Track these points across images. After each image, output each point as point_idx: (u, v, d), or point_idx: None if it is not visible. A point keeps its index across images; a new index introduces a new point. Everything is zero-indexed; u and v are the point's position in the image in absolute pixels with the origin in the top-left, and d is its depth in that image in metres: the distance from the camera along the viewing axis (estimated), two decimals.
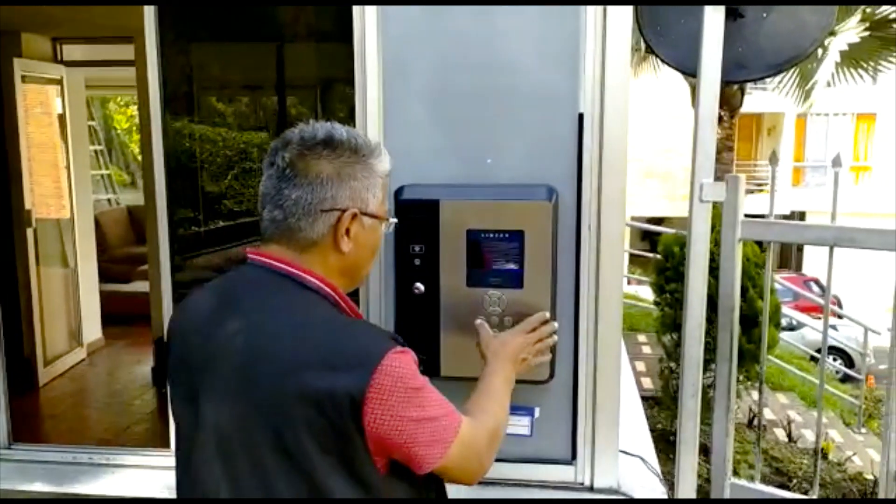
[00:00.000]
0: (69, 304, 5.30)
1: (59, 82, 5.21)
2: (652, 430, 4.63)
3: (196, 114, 3.06)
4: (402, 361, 1.19)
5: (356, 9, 2.11)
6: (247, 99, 3.42)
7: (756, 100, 18.08)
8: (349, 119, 2.20)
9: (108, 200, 9.00)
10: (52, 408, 4.48)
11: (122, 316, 5.97)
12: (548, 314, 1.84)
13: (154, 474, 2.46)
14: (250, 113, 3.41)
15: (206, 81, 3.15)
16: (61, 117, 5.22)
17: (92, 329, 5.59)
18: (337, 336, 1.21)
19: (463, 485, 1.34)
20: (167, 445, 2.55)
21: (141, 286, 6.05)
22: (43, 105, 5.06)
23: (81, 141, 5.74)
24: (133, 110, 13.90)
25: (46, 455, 2.58)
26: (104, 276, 6.20)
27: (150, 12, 2.38)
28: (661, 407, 5.60)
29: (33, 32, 4.98)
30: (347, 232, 1.29)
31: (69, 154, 5.28)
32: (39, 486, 2.43)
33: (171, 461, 2.50)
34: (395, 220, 1.45)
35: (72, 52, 5.46)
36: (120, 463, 2.52)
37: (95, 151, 8.40)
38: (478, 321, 1.78)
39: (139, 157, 10.36)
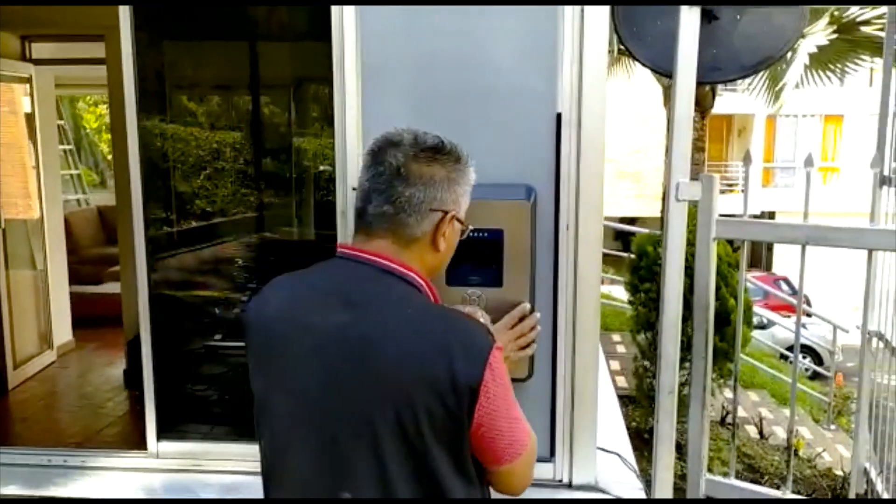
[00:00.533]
0: (38, 306, 5.21)
1: (28, 81, 5.12)
2: (627, 428, 4.67)
3: (168, 113, 3.04)
4: (500, 358, 1.27)
5: (335, 8, 2.10)
6: (219, 98, 3.39)
7: (727, 101, 18.31)
8: (327, 119, 2.19)
9: (78, 201, 8.87)
10: (23, 411, 4.40)
11: (93, 318, 5.88)
12: (528, 306, 1.86)
13: (129, 476, 2.44)
14: (223, 112, 3.39)
15: (178, 80, 3.12)
16: (30, 116, 5.14)
17: (62, 331, 5.50)
18: (451, 326, 1.28)
19: (512, 495, 1.39)
20: (142, 447, 2.53)
21: (112, 287, 5.97)
22: (10, 104, 4.97)
23: (50, 140, 5.65)
24: (102, 109, 13.73)
25: (21, 458, 2.54)
26: (74, 278, 6.10)
27: (125, 12, 2.36)
28: (636, 405, 5.64)
29: (1, 30, 4.89)
30: (444, 232, 1.36)
31: (38, 154, 5.20)
32: (14, 490, 2.39)
33: (147, 463, 2.49)
34: (471, 227, 1.50)
35: (41, 50, 5.37)
36: (95, 465, 2.49)
37: (65, 151, 8.27)
38: (468, 308, 1.80)
39: (109, 157, 10.24)
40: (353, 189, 1.38)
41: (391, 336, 1.24)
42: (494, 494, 1.41)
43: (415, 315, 1.28)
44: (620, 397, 5.73)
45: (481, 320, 1.73)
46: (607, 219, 15.06)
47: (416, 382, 1.20)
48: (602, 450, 2.27)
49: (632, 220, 16.33)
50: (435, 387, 1.19)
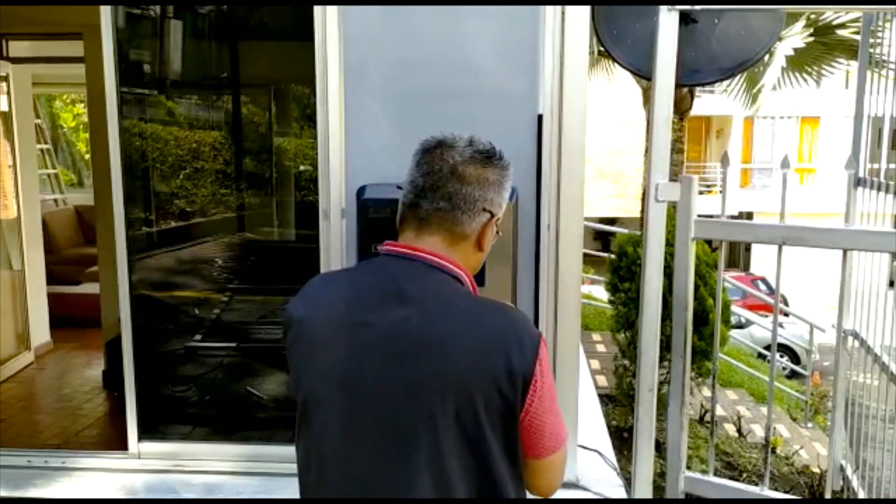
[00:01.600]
0: (16, 307, 5.16)
1: (5, 79, 5.07)
2: (607, 427, 4.70)
3: (147, 112, 3.02)
4: (546, 351, 1.31)
5: (317, 8, 2.11)
6: (199, 98, 3.38)
7: (705, 102, 18.48)
8: (307, 119, 2.20)
9: (55, 201, 8.78)
10: (1, 413, 4.36)
11: (71, 318, 5.83)
12: None
13: (111, 477, 2.43)
14: (203, 111, 3.38)
15: (162, 80, 3.11)
16: (6, 115, 5.08)
17: (40, 332, 5.45)
18: (504, 318, 1.32)
19: (544, 495, 1.41)
20: (122, 448, 2.52)
21: (90, 288, 5.92)
22: None
23: (27, 139, 5.59)
24: (80, 108, 13.60)
25: (1, 459, 2.52)
26: (52, 278, 6.04)
27: (106, 12, 2.35)
28: (616, 404, 5.68)
29: None
30: (487, 234, 1.41)
31: (15, 153, 5.14)
32: None
33: (127, 464, 2.48)
34: (500, 233, 1.53)
35: (18, 48, 5.32)
36: (76, 466, 2.48)
37: (42, 150, 8.18)
38: None
39: (87, 157, 10.14)
40: (398, 187, 1.42)
41: (449, 330, 1.28)
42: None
43: (470, 308, 1.33)
44: (601, 396, 5.77)
45: None
46: (587, 219, 15.13)
47: (475, 374, 1.24)
48: (583, 447, 2.29)
49: (611, 221, 16.42)
50: (494, 378, 1.24)
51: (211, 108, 3.38)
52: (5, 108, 5.08)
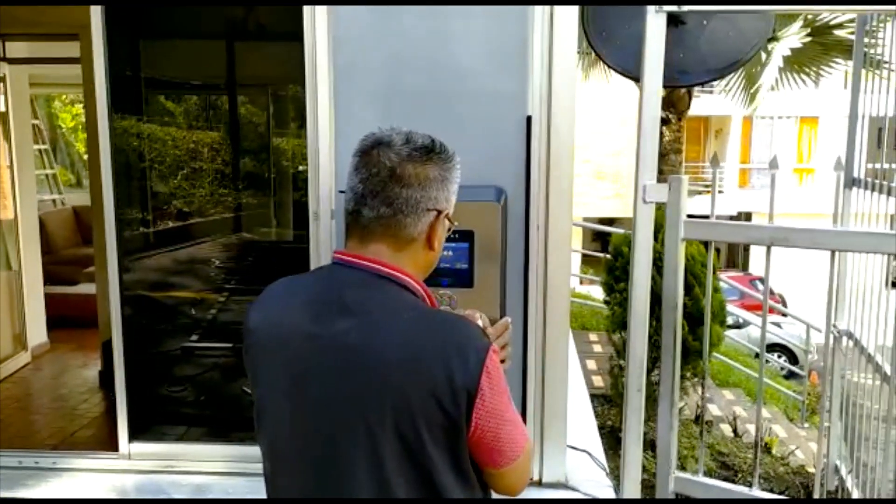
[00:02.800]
0: (13, 308, 5.17)
1: (2, 80, 5.08)
2: (602, 427, 4.71)
3: (144, 112, 3.03)
4: (496, 360, 1.26)
5: (307, 9, 2.12)
6: (196, 98, 3.39)
7: (703, 102, 18.49)
8: (301, 118, 2.21)
9: (54, 201, 8.79)
10: None
11: (69, 319, 5.83)
12: (511, 320, 1.89)
13: (100, 477, 2.43)
14: (200, 112, 3.38)
15: (154, 80, 3.11)
16: (3, 115, 5.09)
17: (37, 332, 5.45)
18: (448, 330, 1.27)
19: (510, 495, 1.40)
20: (115, 449, 2.52)
21: (88, 288, 5.93)
22: None
23: (25, 140, 5.60)
24: (78, 108, 13.60)
25: None
26: (50, 279, 6.05)
27: (97, 12, 2.36)
28: (611, 404, 5.69)
29: None
30: (437, 232, 1.36)
31: (12, 153, 5.15)
32: None
33: (118, 464, 2.48)
34: (456, 223, 1.49)
35: (15, 49, 5.33)
36: (66, 466, 2.49)
37: (40, 150, 8.19)
38: (467, 311, 1.83)
39: (85, 157, 10.15)
40: (341, 192, 1.39)
41: (389, 342, 1.24)
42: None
43: (412, 320, 1.28)
44: (596, 396, 5.78)
45: (479, 322, 1.75)
46: (586, 219, 15.16)
47: (414, 388, 1.21)
48: (572, 448, 2.30)
49: (610, 221, 16.44)
50: (433, 392, 1.20)
51: (209, 108, 3.39)
52: (2, 109, 5.09)
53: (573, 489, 2.19)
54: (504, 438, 1.27)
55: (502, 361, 1.84)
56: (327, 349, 1.27)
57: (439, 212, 1.35)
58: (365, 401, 1.23)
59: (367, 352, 1.24)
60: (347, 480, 1.25)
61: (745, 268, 20.71)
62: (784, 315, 12.28)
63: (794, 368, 10.30)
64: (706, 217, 2.34)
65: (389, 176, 1.31)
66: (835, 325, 3.30)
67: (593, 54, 8.74)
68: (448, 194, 1.37)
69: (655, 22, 2.06)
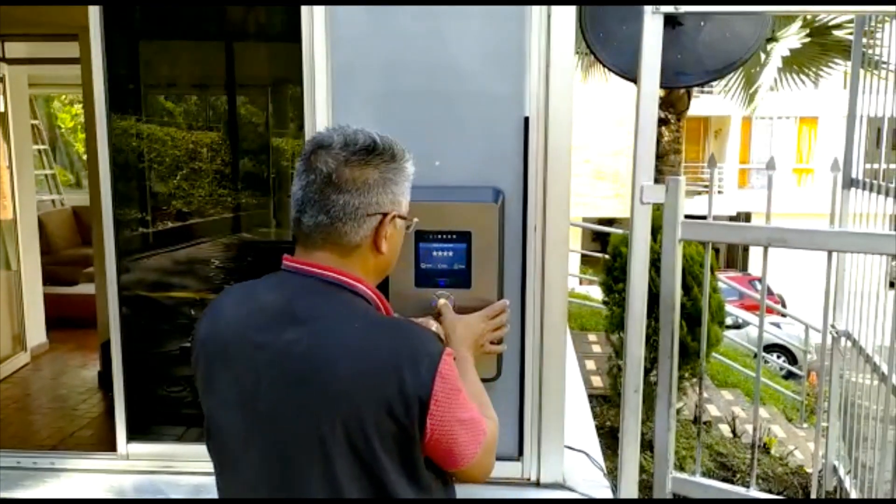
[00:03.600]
0: (12, 308, 5.18)
1: (1, 80, 5.09)
2: (601, 427, 4.72)
3: (143, 113, 3.03)
4: (451, 363, 1.26)
5: (304, 9, 2.12)
6: (195, 98, 3.39)
7: (703, 103, 18.52)
8: (299, 119, 2.21)
9: (53, 201, 8.80)
10: None
11: (69, 319, 5.85)
12: (508, 302, 1.88)
13: (98, 478, 2.44)
14: (198, 112, 3.38)
15: (153, 80, 3.12)
16: (3, 116, 5.10)
17: (36, 333, 5.47)
18: (398, 338, 1.26)
19: (475, 483, 1.39)
20: (114, 449, 2.53)
21: (87, 288, 5.94)
22: None
23: (24, 140, 5.61)
24: (78, 108, 13.60)
25: None
26: (49, 279, 6.06)
27: (95, 12, 2.36)
28: (611, 404, 5.70)
29: None
30: (385, 235, 1.34)
31: (11, 154, 5.16)
32: None
33: (116, 465, 2.48)
34: (417, 220, 1.48)
35: (14, 49, 5.34)
36: (64, 467, 2.49)
37: (39, 151, 8.20)
38: (442, 301, 1.82)
39: (84, 157, 10.15)
40: (288, 196, 1.35)
41: (338, 352, 1.22)
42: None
43: (362, 328, 1.26)
44: (596, 397, 5.80)
45: (433, 328, 1.75)
46: (586, 219, 15.16)
47: (364, 398, 1.19)
48: (570, 448, 2.30)
49: (610, 221, 16.45)
50: (383, 401, 1.18)
51: (208, 108, 3.39)
52: (1, 109, 5.10)
53: (570, 489, 2.19)
54: (462, 441, 1.27)
55: (499, 342, 1.85)
56: (276, 360, 1.24)
57: (385, 214, 1.32)
58: (315, 412, 1.21)
59: (316, 362, 1.22)
60: (300, 489, 1.23)
61: (744, 268, 20.72)
62: (783, 315, 12.30)
63: (792, 369, 10.31)
64: (705, 217, 2.34)
65: (325, 182, 1.28)
66: (833, 326, 3.31)
67: (592, 56, 8.75)
68: (394, 196, 1.34)
69: (652, 23, 2.07)
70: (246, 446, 1.28)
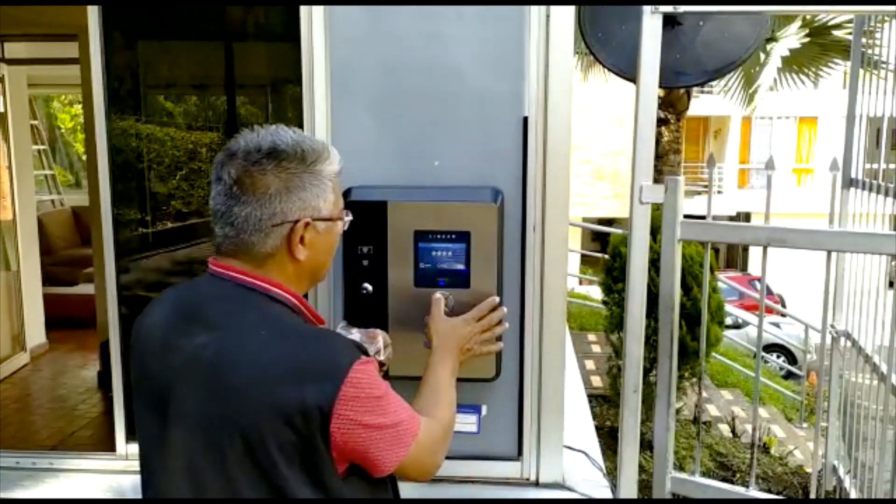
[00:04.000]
0: (11, 308, 5.18)
1: (1, 80, 5.09)
2: (601, 427, 4.71)
3: (142, 113, 3.03)
4: (366, 372, 1.22)
5: (303, 9, 2.12)
6: (195, 98, 3.39)
7: (703, 103, 18.52)
8: (298, 120, 2.20)
9: (52, 201, 8.80)
10: None
11: (68, 319, 5.85)
12: (497, 299, 1.86)
13: (97, 478, 2.44)
14: (199, 112, 3.38)
15: (152, 80, 3.12)
16: (2, 116, 5.10)
17: (35, 333, 5.47)
18: (305, 348, 1.23)
19: (418, 481, 1.39)
20: (113, 449, 2.53)
21: (87, 289, 5.94)
22: None
23: (24, 140, 5.61)
24: (77, 109, 13.60)
25: None
26: (49, 279, 6.07)
27: (94, 12, 2.36)
28: (610, 404, 5.70)
29: None
30: (302, 240, 1.29)
31: (11, 154, 5.16)
32: None
33: (115, 465, 2.48)
34: (349, 217, 1.44)
35: (14, 49, 5.34)
36: (63, 467, 2.49)
37: (39, 151, 8.20)
38: (436, 295, 1.81)
39: (84, 157, 10.15)
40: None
41: (242, 359, 1.20)
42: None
43: (269, 337, 1.23)
44: (595, 397, 5.80)
45: (379, 340, 1.72)
46: (586, 219, 15.16)
47: (263, 408, 1.16)
48: (569, 448, 2.30)
49: (609, 221, 16.45)
50: (283, 411, 1.16)
51: (207, 108, 3.39)
52: (1, 110, 5.10)
53: (570, 489, 2.19)
54: (380, 447, 1.24)
55: (499, 338, 1.82)
56: (185, 364, 1.23)
57: (294, 222, 1.27)
58: (217, 420, 1.19)
59: (220, 369, 1.20)
60: (200, 500, 1.22)
61: (743, 268, 20.73)
62: (783, 315, 12.29)
63: (792, 369, 10.32)
64: (704, 217, 2.34)
65: (228, 194, 1.26)
66: (833, 326, 3.31)
67: (592, 56, 8.75)
68: (304, 202, 1.28)
69: (651, 23, 2.07)
70: (160, 450, 1.26)
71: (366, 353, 1.27)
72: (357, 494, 1.28)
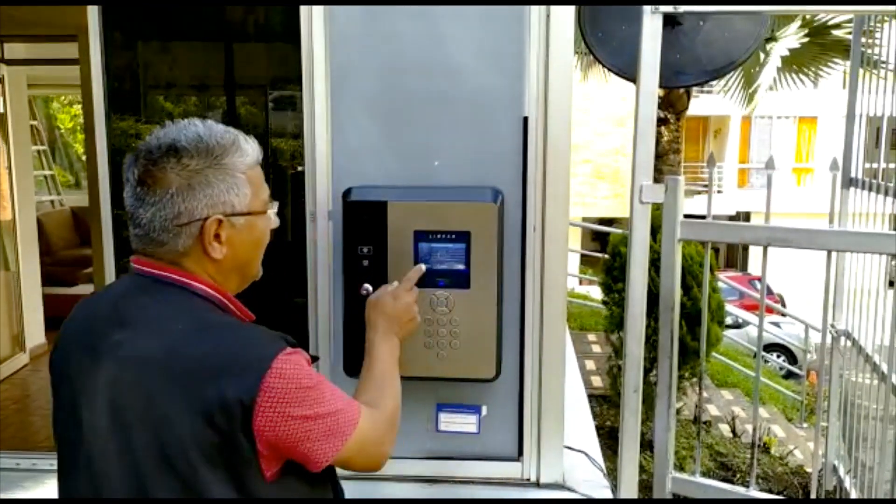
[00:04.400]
0: (11, 309, 5.17)
1: (0, 81, 5.09)
2: (601, 427, 4.71)
3: (142, 113, 3.03)
4: (292, 362, 1.17)
5: (303, 9, 2.11)
6: (195, 98, 3.38)
7: (702, 102, 18.52)
8: (298, 120, 2.20)
9: (52, 202, 8.79)
10: None
11: None
12: (424, 267, 1.84)
13: None
14: (199, 113, 3.38)
15: (152, 80, 3.11)
16: (2, 117, 5.10)
17: (35, 333, 5.46)
18: (224, 341, 1.17)
19: (368, 471, 1.35)
20: None
21: (87, 289, 5.94)
22: None
23: (23, 141, 5.61)
24: (77, 109, 13.60)
25: None
26: (49, 280, 6.06)
27: (94, 12, 2.36)
28: (610, 404, 5.70)
29: None
30: (218, 238, 1.24)
31: (10, 154, 5.16)
32: None
33: None
34: (274, 209, 1.38)
35: (13, 50, 5.34)
36: None
37: (38, 151, 8.20)
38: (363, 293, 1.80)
39: (83, 158, 10.14)
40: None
41: (156, 356, 1.14)
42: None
43: (186, 331, 1.17)
44: (595, 397, 5.80)
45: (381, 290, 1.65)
46: (586, 219, 15.16)
47: (179, 407, 1.11)
48: (569, 448, 2.30)
49: (609, 221, 16.45)
50: (202, 410, 1.10)
51: (207, 109, 3.39)
52: (1, 110, 5.10)
53: (570, 489, 2.19)
54: (315, 438, 1.18)
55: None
56: (100, 364, 1.18)
57: (204, 220, 1.22)
58: (129, 421, 1.14)
59: (133, 367, 1.15)
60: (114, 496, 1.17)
61: (743, 268, 20.72)
62: (783, 315, 12.29)
63: (792, 368, 10.32)
64: (704, 217, 2.34)
65: (134, 195, 1.22)
66: (833, 325, 3.31)
67: (591, 55, 8.74)
68: (212, 199, 1.22)
69: (651, 22, 2.07)
70: (74, 457, 1.22)
71: (293, 345, 1.22)
72: (293, 494, 1.23)
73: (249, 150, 1.29)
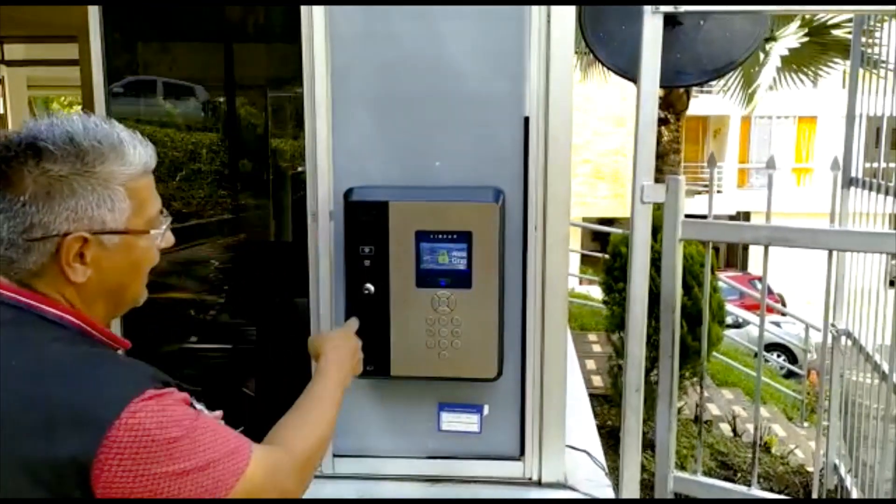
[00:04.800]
0: None
1: (0, 82, 5.09)
2: (602, 427, 4.71)
3: (142, 114, 3.03)
4: (152, 409, 0.97)
5: (304, 9, 2.11)
6: (195, 99, 3.39)
7: (702, 102, 18.52)
8: (298, 120, 2.20)
9: None
10: None
11: None
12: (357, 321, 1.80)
13: None
14: (199, 113, 3.39)
15: (153, 81, 3.12)
16: (2, 117, 5.11)
17: None
18: (64, 385, 0.97)
19: (293, 496, 1.17)
20: None
21: None
22: None
23: None
24: (77, 109, 13.60)
25: None
26: None
27: (94, 12, 2.36)
28: (611, 404, 5.70)
29: None
30: (82, 258, 1.04)
31: None
32: None
33: None
34: (166, 227, 1.16)
35: (13, 51, 5.34)
36: None
37: None
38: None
39: None
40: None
41: None
42: None
43: (18, 370, 0.98)
44: (596, 396, 5.79)
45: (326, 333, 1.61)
46: (586, 219, 15.16)
47: (4, 462, 0.94)
48: (571, 448, 2.30)
49: (610, 221, 16.45)
50: (28, 467, 0.93)
51: (207, 109, 3.39)
52: (1, 111, 5.10)
53: (572, 489, 2.19)
54: (187, 494, 0.98)
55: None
56: None
57: (63, 236, 1.01)
58: None
59: None
60: None
61: (744, 267, 20.72)
62: (783, 314, 12.29)
63: (793, 368, 10.32)
64: (705, 217, 2.34)
65: None
66: (833, 325, 3.31)
67: (591, 54, 8.74)
68: (77, 212, 1.02)
69: (652, 22, 2.07)
70: None
71: (165, 383, 1.04)
72: None
73: (136, 158, 1.08)
